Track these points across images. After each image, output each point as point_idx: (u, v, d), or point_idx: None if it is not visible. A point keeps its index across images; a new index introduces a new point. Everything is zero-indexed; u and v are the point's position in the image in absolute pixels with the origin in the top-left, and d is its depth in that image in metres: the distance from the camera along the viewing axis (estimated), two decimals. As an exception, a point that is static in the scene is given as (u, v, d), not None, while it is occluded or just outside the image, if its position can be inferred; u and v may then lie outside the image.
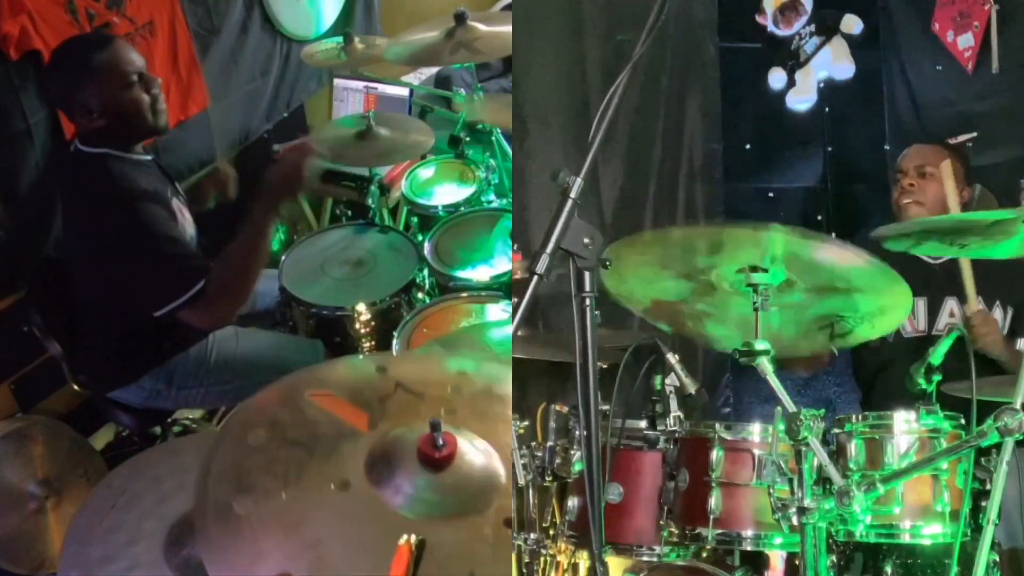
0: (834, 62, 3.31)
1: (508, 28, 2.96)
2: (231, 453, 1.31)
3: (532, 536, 2.04)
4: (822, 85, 3.36)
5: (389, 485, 1.30)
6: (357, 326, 2.71)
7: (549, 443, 2.02)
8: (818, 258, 1.69)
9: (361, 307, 2.69)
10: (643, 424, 1.96)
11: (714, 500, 1.79)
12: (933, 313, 2.45)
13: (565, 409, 2.03)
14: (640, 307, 1.98)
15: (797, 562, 1.66)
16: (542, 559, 2.03)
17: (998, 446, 1.53)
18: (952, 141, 2.98)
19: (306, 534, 1.21)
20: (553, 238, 1.36)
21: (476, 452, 1.36)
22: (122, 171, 2.30)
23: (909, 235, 1.78)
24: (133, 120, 2.33)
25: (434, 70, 4.44)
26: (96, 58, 2.26)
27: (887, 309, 1.79)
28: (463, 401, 1.49)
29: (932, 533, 1.71)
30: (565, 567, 2.01)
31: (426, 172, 3.38)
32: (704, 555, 1.91)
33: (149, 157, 2.46)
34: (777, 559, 1.87)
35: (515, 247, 2.68)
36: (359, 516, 1.26)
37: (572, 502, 2.02)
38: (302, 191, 2.45)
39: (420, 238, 2.98)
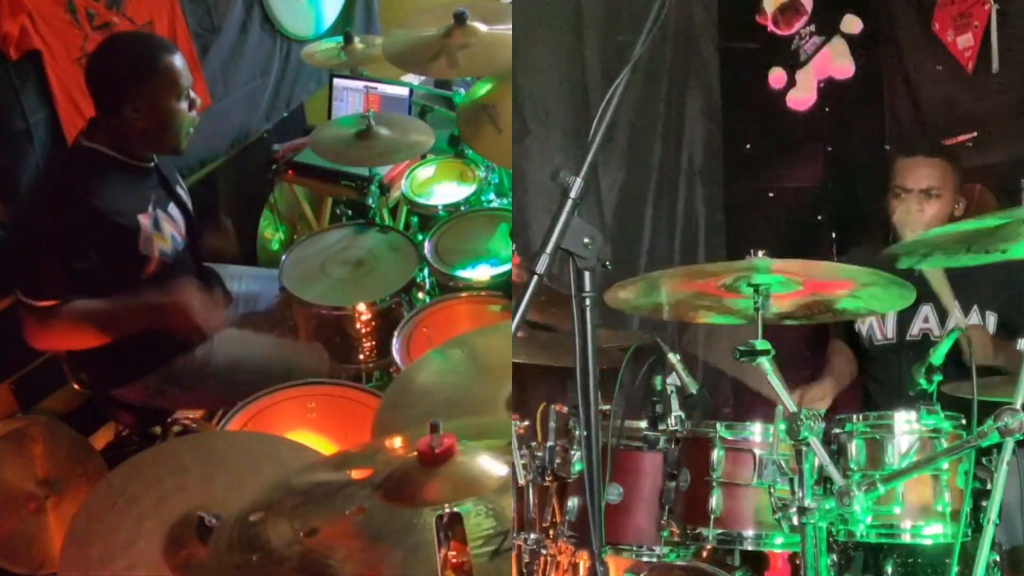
0: (834, 62, 3.31)
1: (506, 31, 2.95)
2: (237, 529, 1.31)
3: (532, 536, 2.04)
4: (822, 85, 3.35)
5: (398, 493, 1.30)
6: (357, 326, 2.71)
7: (549, 443, 2.02)
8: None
9: (361, 307, 2.69)
10: (643, 424, 1.96)
11: (715, 500, 1.79)
12: (907, 319, 2.44)
13: (565, 409, 2.03)
14: (639, 312, 1.99)
15: (798, 562, 1.66)
16: (542, 559, 2.03)
17: (999, 446, 1.53)
18: (951, 141, 2.99)
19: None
20: (553, 238, 1.36)
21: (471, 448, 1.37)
22: (98, 177, 2.31)
23: (917, 251, 1.78)
24: (170, 131, 2.36)
25: (434, 70, 4.43)
26: (163, 60, 2.31)
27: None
28: (448, 404, 1.50)
29: (933, 533, 1.71)
30: (565, 567, 2.01)
31: (426, 172, 3.38)
32: (704, 555, 1.91)
33: (151, 164, 2.46)
34: (777, 559, 1.87)
35: (515, 247, 2.68)
36: (386, 529, 1.26)
37: (572, 502, 2.02)
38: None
39: (420, 238, 2.98)
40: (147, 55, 2.33)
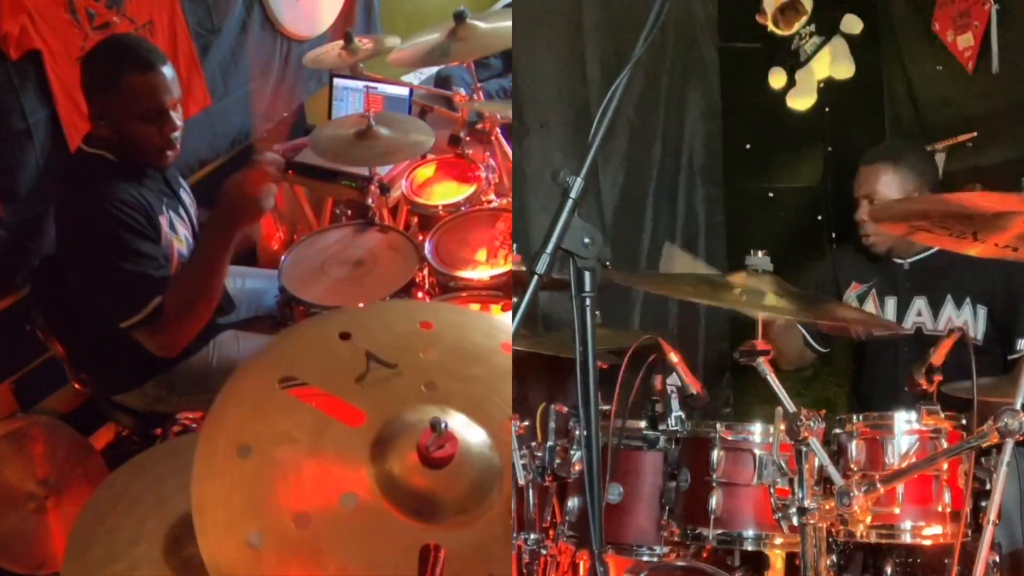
0: (834, 62, 3.32)
1: (508, 23, 2.96)
2: (223, 484, 1.24)
3: (532, 536, 2.04)
4: (822, 85, 3.36)
5: (394, 491, 1.29)
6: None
7: (549, 443, 2.01)
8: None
9: (361, 307, 2.69)
10: (643, 424, 1.96)
11: (714, 500, 1.79)
12: (901, 312, 2.44)
13: (565, 409, 2.03)
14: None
15: (797, 562, 1.66)
16: (542, 559, 2.03)
17: (998, 446, 1.53)
18: (951, 141, 2.99)
19: (328, 566, 1.19)
20: (553, 238, 1.36)
21: (472, 440, 1.35)
22: (110, 179, 2.28)
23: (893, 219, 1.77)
24: (136, 149, 2.31)
25: (434, 70, 4.45)
26: (126, 79, 2.22)
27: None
28: (440, 368, 1.45)
29: (932, 533, 1.71)
30: (565, 567, 2.01)
31: (426, 172, 3.38)
32: (704, 555, 1.91)
33: (147, 165, 2.43)
34: (777, 559, 1.87)
35: (515, 247, 2.68)
36: (374, 532, 1.23)
37: (572, 502, 2.01)
38: (257, 216, 2.36)
39: (420, 238, 2.98)
40: (111, 69, 2.24)
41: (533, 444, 2.04)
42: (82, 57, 2.36)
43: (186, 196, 2.58)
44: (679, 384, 1.91)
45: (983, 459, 1.68)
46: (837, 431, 1.79)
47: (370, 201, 3.15)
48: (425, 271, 2.85)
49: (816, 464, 1.65)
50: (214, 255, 2.31)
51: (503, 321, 1.60)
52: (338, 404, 1.35)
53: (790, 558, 1.86)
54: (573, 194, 1.37)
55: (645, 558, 1.91)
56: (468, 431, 1.36)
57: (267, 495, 1.23)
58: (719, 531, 1.79)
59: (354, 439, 1.31)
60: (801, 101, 3.36)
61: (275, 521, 1.21)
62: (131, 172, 2.34)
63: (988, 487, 1.60)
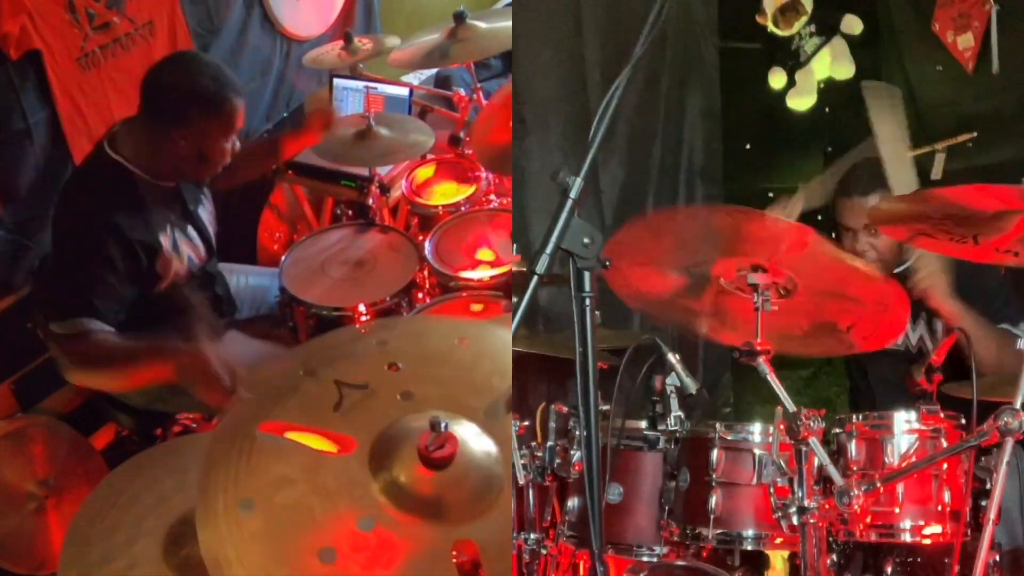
0: (834, 62, 3.31)
1: (507, 23, 2.97)
2: (235, 543, 1.24)
3: (532, 536, 2.04)
4: (822, 85, 3.35)
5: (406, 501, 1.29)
6: (357, 326, 2.71)
7: (549, 443, 2.02)
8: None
9: (361, 307, 2.69)
10: (643, 424, 1.96)
11: (714, 500, 1.79)
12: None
13: (565, 409, 2.03)
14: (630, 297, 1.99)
15: (798, 562, 1.66)
16: (542, 559, 2.03)
17: (998, 446, 1.53)
18: (951, 141, 2.98)
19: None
20: (553, 238, 1.36)
21: (466, 435, 1.36)
22: (117, 194, 2.27)
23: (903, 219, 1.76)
24: (205, 166, 2.36)
25: (434, 70, 4.45)
26: (232, 103, 2.29)
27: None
28: (409, 377, 1.45)
29: (932, 533, 1.71)
30: (565, 567, 2.01)
31: (426, 172, 3.38)
32: (704, 555, 1.91)
33: (172, 184, 2.43)
34: (777, 559, 1.87)
35: (515, 247, 2.68)
36: (399, 544, 1.24)
37: (572, 502, 2.02)
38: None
39: (420, 238, 2.98)
40: (220, 92, 2.29)
41: (533, 444, 2.05)
42: (177, 70, 2.35)
43: (204, 213, 2.57)
44: (679, 384, 1.92)
45: (983, 458, 1.67)
46: (837, 431, 1.79)
47: (370, 201, 3.16)
48: (425, 271, 2.85)
49: (816, 464, 1.65)
50: (146, 359, 2.23)
51: (455, 321, 1.63)
52: (326, 436, 1.36)
53: (790, 558, 1.86)
54: (573, 194, 1.37)
55: (645, 558, 1.91)
56: (460, 428, 1.37)
57: (284, 541, 1.23)
58: (719, 531, 1.79)
59: (351, 464, 1.33)
60: (801, 101, 3.35)
61: (301, 563, 1.22)
62: (145, 189, 2.33)
63: (988, 486, 1.60)
